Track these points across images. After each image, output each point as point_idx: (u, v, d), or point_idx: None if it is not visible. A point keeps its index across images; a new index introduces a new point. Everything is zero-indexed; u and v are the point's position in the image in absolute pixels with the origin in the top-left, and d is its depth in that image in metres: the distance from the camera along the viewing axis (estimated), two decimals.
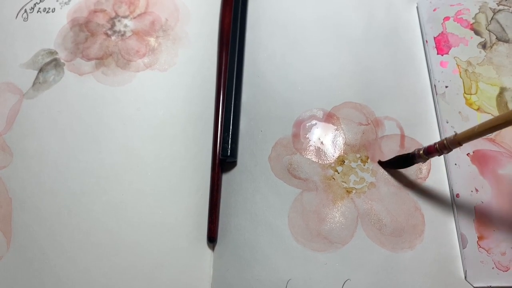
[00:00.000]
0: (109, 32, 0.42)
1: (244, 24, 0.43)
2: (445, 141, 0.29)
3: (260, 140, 0.37)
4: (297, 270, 0.32)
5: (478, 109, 0.36)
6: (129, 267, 0.33)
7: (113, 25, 0.43)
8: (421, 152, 0.31)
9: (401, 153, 0.35)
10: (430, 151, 0.30)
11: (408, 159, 0.33)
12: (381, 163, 0.35)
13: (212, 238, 0.35)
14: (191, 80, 0.40)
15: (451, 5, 0.41)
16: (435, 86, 0.38)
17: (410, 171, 0.35)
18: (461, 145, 0.28)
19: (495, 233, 0.32)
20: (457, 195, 0.33)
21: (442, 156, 0.35)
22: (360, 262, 0.32)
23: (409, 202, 0.34)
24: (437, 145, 0.30)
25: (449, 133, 0.35)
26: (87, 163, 0.37)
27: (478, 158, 0.34)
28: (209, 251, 0.35)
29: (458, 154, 0.34)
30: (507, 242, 0.31)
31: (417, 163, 0.33)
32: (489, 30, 0.39)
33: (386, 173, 0.35)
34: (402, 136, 0.36)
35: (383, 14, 0.42)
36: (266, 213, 0.34)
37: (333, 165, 0.35)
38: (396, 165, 0.35)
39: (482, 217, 0.32)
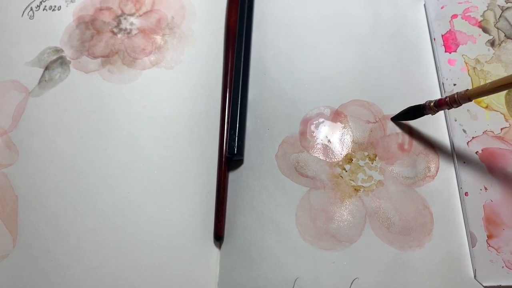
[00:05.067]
0: (115, 30, 0.42)
1: (250, 22, 0.43)
2: (456, 95, 0.30)
3: (266, 138, 0.37)
4: (304, 269, 0.32)
5: (486, 107, 0.35)
6: (135, 266, 0.33)
7: (119, 22, 0.42)
8: (432, 104, 0.32)
9: (409, 151, 0.35)
10: (441, 104, 0.31)
11: (418, 111, 0.34)
12: (393, 118, 0.36)
13: (218, 237, 0.35)
14: (197, 78, 0.40)
15: (459, 3, 0.40)
16: (443, 84, 0.37)
17: (418, 169, 0.34)
18: (471, 100, 0.29)
19: (504, 231, 0.31)
20: (466, 194, 0.33)
21: (450, 155, 0.35)
22: (368, 261, 0.32)
23: (417, 201, 0.33)
24: (448, 99, 0.30)
25: (457, 131, 0.35)
26: (93, 161, 0.37)
27: (487, 156, 0.34)
28: (215, 249, 0.35)
29: (467, 152, 0.34)
30: None
31: (426, 114, 0.33)
32: (497, 28, 0.39)
33: (395, 171, 0.34)
34: (410, 134, 0.36)
35: (390, 12, 0.42)
36: (273, 211, 0.34)
37: (340, 163, 0.35)
38: (406, 117, 0.35)
39: (491, 215, 0.32)
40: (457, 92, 0.30)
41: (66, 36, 0.42)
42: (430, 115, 0.34)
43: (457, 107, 0.30)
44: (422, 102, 0.37)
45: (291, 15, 0.42)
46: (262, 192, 0.35)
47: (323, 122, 0.37)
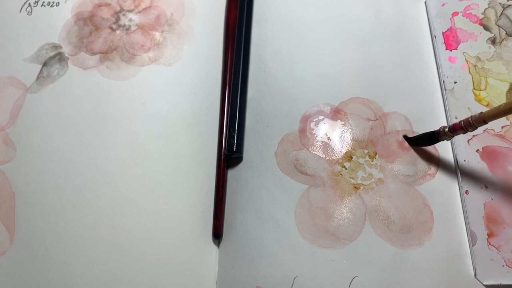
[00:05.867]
0: (114, 26, 0.42)
1: (250, 19, 0.43)
2: (470, 119, 0.29)
3: (266, 136, 0.37)
4: (304, 267, 0.32)
5: (487, 105, 0.35)
6: (133, 263, 0.33)
7: (117, 19, 0.42)
8: (446, 130, 0.31)
9: (409, 149, 0.35)
10: (455, 129, 0.31)
11: (433, 137, 0.33)
12: (407, 138, 0.35)
13: (217, 234, 0.34)
14: (196, 75, 0.40)
15: (460, 0, 0.40)
16: (443, 81, 0.37)
17: (419, 167, 0.34)
18: (486, 123, 0.29)
19: (505, 230, 0.31)
20: (467, 192, 0.33)
21: (451, 153, 0.35)
22: (368, 259, 0.31)
23: (418, 199, 0.33)
24: (462, 123, 0.30)
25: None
26: (91, 158, 0.36)
27: (488, 155, 0.34)
28: (214, 247, 0.35)
29: (468, 150, 0.34)
30: None
31: (441, 140, 0.33)
32: (498, 26, 0.38)
33: (395, 169, 0.34)
34: (411, 132, 0.35)
35: (391, 9, 0.42)
36: (272, 209, 0.34)
37: (340, 161, 0.35)
38: (421, 143, 0.35)
39: (492, 214, 0.32)
40: (471, 116, 0.29)
41: (65, 32, 0.42)
42: (445, 140, 0.33)
43: (472, 130, 0.30)
44: (422, 99, 0.37)
45: (291, 13, 0.42)
46: (261, 190, 0.35)
47: (323, 119, 0.36)
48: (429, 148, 0.35)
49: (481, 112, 0.28)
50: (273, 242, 0.33)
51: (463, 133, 0.30)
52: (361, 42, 0.40)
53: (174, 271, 0.33)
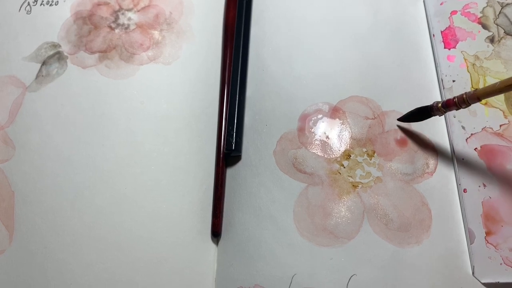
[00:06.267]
0: (113, 25, 0.42)
1: (249, 18, 0.43)
2: (464, 95, 0.29)
3: (265, 134, 0.37)
4: (302, 265, 0.32)
5: (486, 104, 0.35)
6: (132, 262, 0.33)
7: (116, 18, 0.42)
8: (439, 105, 0.31)
9: (407, 147, 0.35)
10: (449, 105, 0.30)
11: (425, 112, 0.33)
12: (399, 119, 0.35)
13: (216, 233, 0.35)
14: (195, 73, 0.40)
15: None
16: (442, 80, 0.37)
17: (417, 166, 0.34)
18: (480, 100, 0.29)
19: (503, 228, 0.31)
20: (465, 190, 0.33)
21: (449, 151, 0.35)
22: (366, 257, 0.32)
23: (416, 197, 0.33)
24: (456, 99, 0.30)
25: (456, 128, 0.35)
26: (90, 157, 0.36)
27: (486, 153, 0.34)
28: (213, 245, 0.35)
29: (466, 149, 0.34)
30: None
31: (434, 115, 0.33)
32: (497, 24, 0.38)
33: (393, 167, 0.34)
34: (409, 130, 0.35)
35: (389, 8, 0.42)
36: (271, 207, 0.34)
37: (339, 159, 0.35)
38: (413, 118, 0.35)
39: (490, 212, 0.32)
40: (465, 92, 0.29)
41: (64, 31, 0.42)
42: (437, 116, 0.33)
43: (465, 107, 0.30)
44: (421, 98, 0.37)
45: (290, 12, 0.42)
46: (260, 188, 0.35)
47: (321, 118, 0.36)
48: (428, 146, 0.35)
49: (476, 89, 0.29)
50: (271, 240, 0.33)
51: (456, 109, 0.30)
52: (359, 41, 0.40)
53: (173, 270, 0.33)
